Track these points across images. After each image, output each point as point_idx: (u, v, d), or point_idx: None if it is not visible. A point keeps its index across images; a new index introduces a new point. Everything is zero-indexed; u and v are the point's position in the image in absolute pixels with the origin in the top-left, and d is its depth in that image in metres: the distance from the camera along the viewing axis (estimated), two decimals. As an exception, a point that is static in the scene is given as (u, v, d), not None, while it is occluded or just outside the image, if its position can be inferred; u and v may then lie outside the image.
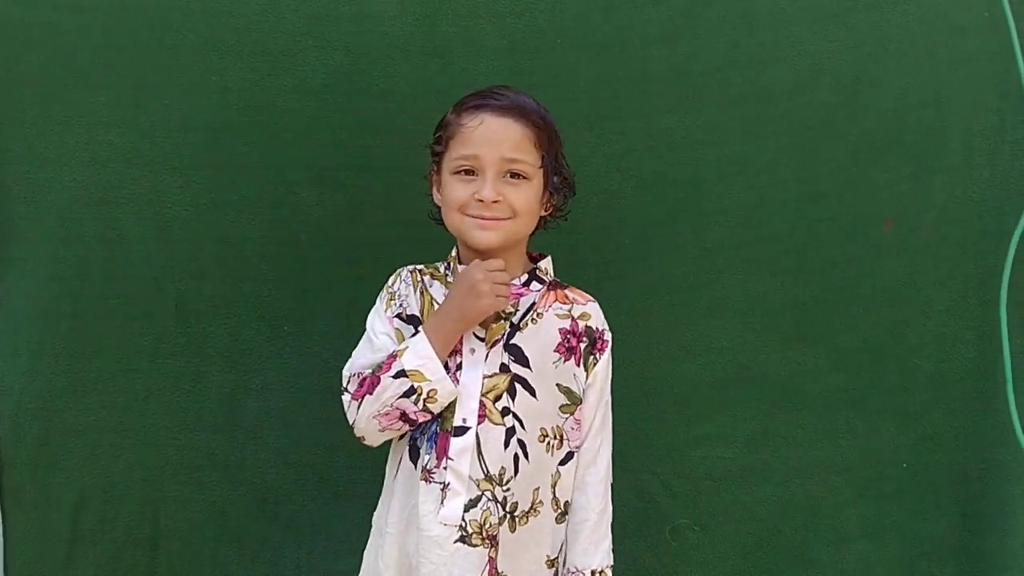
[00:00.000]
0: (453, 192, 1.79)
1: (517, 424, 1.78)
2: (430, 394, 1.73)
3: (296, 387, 2.25)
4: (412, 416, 1.75)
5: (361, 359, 1.82)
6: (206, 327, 2.23)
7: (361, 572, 1.88)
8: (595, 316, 1.88)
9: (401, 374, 1.73)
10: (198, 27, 2.18)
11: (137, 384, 2.22)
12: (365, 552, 1.89)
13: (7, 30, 2.15)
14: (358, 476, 2.23)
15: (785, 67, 2.27)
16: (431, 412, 1.76)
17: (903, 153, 2.30)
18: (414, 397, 1.73)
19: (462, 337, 1.79)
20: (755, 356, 2.30)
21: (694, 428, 2.31)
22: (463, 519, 1.75)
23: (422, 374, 1.73)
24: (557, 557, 1.86)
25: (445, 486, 1.76)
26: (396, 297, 1.86)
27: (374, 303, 1.87)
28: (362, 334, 1.85)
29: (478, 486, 1.76)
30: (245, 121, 2.20)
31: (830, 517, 2.34)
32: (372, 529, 1.88)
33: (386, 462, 1.87)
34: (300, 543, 2.28)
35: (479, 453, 1.77)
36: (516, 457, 1.78)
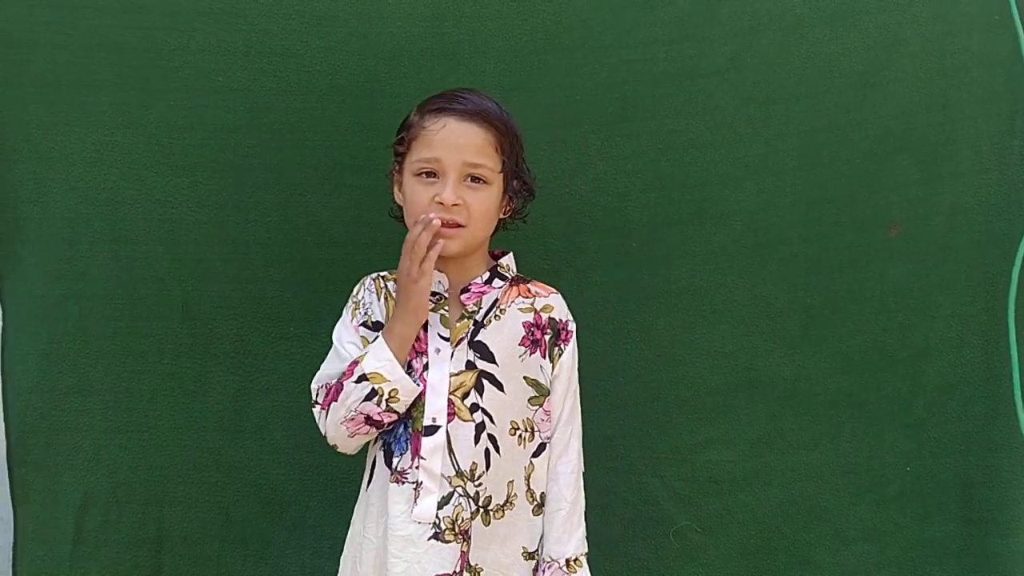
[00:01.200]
0: (414, 194, 1.82)
1: (487, 419, 1.82)
2: (391, 394, 1.76)
3: (302, 388, 2.18)
4: (377, 418, 1.77)
5: (328, 370, 1.85)
6: (212, 328, 2.22)
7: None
8: (558, 307, 1.92)
9: (362, 378, 1.76)
10: (204, 28, 2.17)
11: (143, 385, 2.21)
12: (341, 561, 1.91)
13: (13, 30, 2.15)
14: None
15: (793, 69, 2.26)
16: (396, 412, 1.78)
17: (911, 157, 2.29)
18: (376, 399, 1.76)
19: (427, 337, 1.82)
20: (761, 359, 2.29)
21: (699, 431, 2.30)
22: (436, 516, 1.78)
23: (382, 375, 1.76)
24: (536, 550, 1.89)
25: (418, 485, 1.78)
26: (361, 306, 1.89)
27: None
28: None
29: (450, 483, 1.80)
30: (251, 122, 2.19)
31: (833, 520, 2.33)
32: (347, 538, 1.91)
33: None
34: (304, 544, 2.28)
35: (450, 450, 1.80)
36: (487, 452, 1.82)
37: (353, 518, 1.91)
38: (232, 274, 2.22)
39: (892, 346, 2.32)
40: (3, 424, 2.25)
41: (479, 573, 1.83)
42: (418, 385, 1.80)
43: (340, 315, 2.19)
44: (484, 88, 2.14)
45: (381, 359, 1.77)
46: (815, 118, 2.27)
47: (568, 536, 1.89)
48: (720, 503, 2.31)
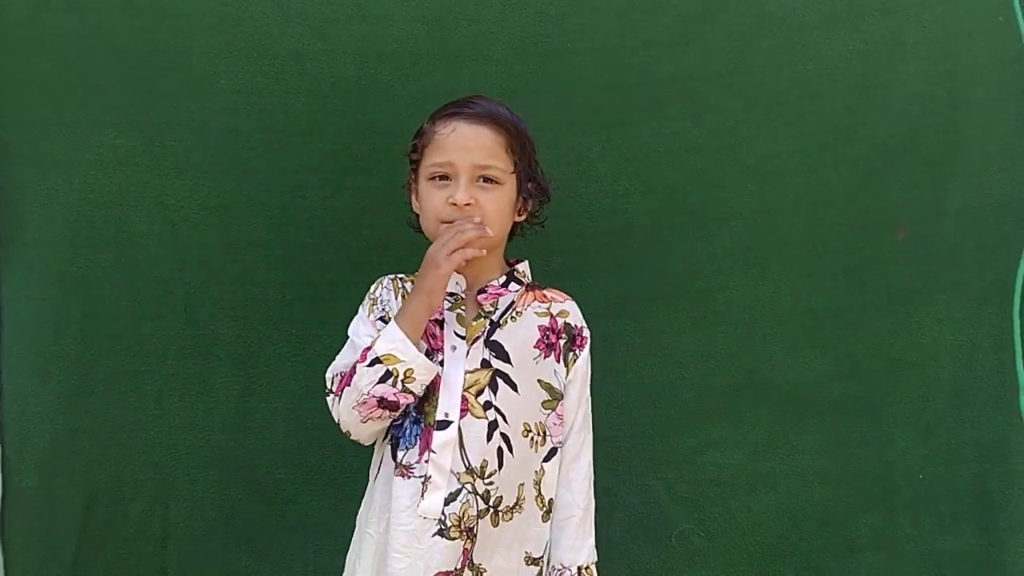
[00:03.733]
0: (428, 199, 1.84)
1: (499, 418, 1.82)
2: (407, 374, 1.76)
3: (304, 389, 2.24)
4: (392, 399, 1.77)
5: (343, 360, 1.86)
6: (215, 329, 2.23)
7: (344, 572, 1.91)
8: (573, 313, 1.94)
9: (375, 361, 1.76)
10: (207, 30, 2.18)
11: (146, 385, 2.23)
12: (348, 552, 1.92)
13: (16, 33, 2.16)
14: (365, 477, 2.21)
15: (796, 72, 2.25)
16: (412, 393, 1.78)
17: (917, 159, 2.28)
18: (391, 380, 1.75)
19: (443, 335, 1.82)
20: (764, 362, 2.29)
21: (701, 434, 2.30)
22: (442, 512, 1.78)
23: (395, 356, 1.76)
24: (541, 556, 1.88)
25: (426, 479, 1.78)
26: (378, 302, 1.90)
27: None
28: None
29: (458, 479, 1.80)
30: (253, 124, 2.20)
31: (840, 527, 2.31)
32: (355, 531, 1.92)
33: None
34: (308, 543, 2.29)
35: (461, 446, 1.80)
36: (500, 450, 1.82)
37: (360, 510, 1.92)
38: (235, 276, 2.23)
39: (900, 350, 2.31)
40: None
41: (482, 573, 1.83)
42: (436, 364, 1.81)
43: (343, 316, 2.21)
44: (486, 91, 2.14)
45: (393, 340, 1.77)
46: (818, 120, 2.26)
47: (581, 543, 1.90)
48: (723, 506, 2.31)
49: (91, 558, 2.23)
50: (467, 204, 1.80)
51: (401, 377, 1.76)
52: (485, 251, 1.81)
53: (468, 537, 1.80)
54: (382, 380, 1.76)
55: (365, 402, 1.77)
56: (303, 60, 2.19)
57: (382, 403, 1.78)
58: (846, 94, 2.26)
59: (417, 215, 1.92)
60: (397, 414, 1.82)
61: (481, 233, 1.78)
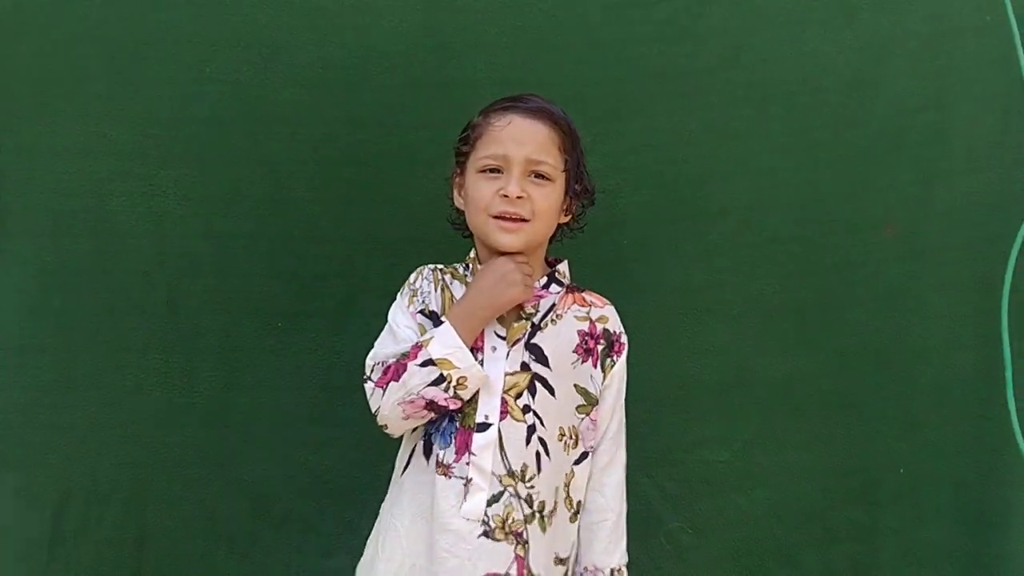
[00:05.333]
0: (478, 190, 1.82)
1: (537, 422, 1.81)
2: (460, 381, 1.74)
3: (288, 384, 2.21)
4: (442, 403, 1.75)
5: (385, 349, 1.83)
6: (197, 322, 2.20)
7: (362, 559, 1.87)
8: (612, 319, 1.93)
9: (428, 363, 1.74)
10: (193, 19, 2.16)
11: (127, 380, 2.18)
12: (369, 539, 1.88)
13: (-1, 20, 2.13)
14: (350, 474, 2.21)
15: (787, 68, 2.26)
16: (462, 399, 1.77)
17: (905, 156, 2.29)
18: (443, 385, 1.74)
19: (483, 335, 1.81)
20: (754, 359, 2.28)
21: (690, 431, 2.29)
22: (485, 514, 1.76)
23: (450, 362, 1.74)
24: (568, 556, 1.87)
25: (468, 481, 1.77)
26: (419, 294, 1.87)
27: (394, 299, 1.88)
28: (374, 329, 1.85)
29: (500, 481, 1.78)
30: (240, 114, 2.17)
31: (825, 522, 2.31)
32: (378, 518, 1.88)
33: (391, 459, 1.87)
34: (290, 541, 2.24)
35: (501, 449, 1.78)
36: (538, 455, 1.80)
37: (386, 500, 1.88)
38: (219, 268, 2.19)
39: (887, 347, 2.31)
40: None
41: None
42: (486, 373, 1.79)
43: (329, 309, 2.19)
44: (476, 82, 2.14)
45: (450, 346, 1.74)
46: (809, 116, 2.26)
47: (615, 547, 1.90)
48: (712, 504, 2.29)
49: (65, 559, 2.18)
50: (519, 197, 1.78)
51: (454, 383, 1.74)
52: (516, 236, 1.80)
53: (518, 542, 1.78)
54: (434, 383, 1.74)
55: (412, 401, 1.75)
56: (291, 50, 2.17)
57: (429, 405, 1.76)
58: (837, 91, 2.26)
59: (458, 210, 1.90)
60: (439, 415, 1.80)
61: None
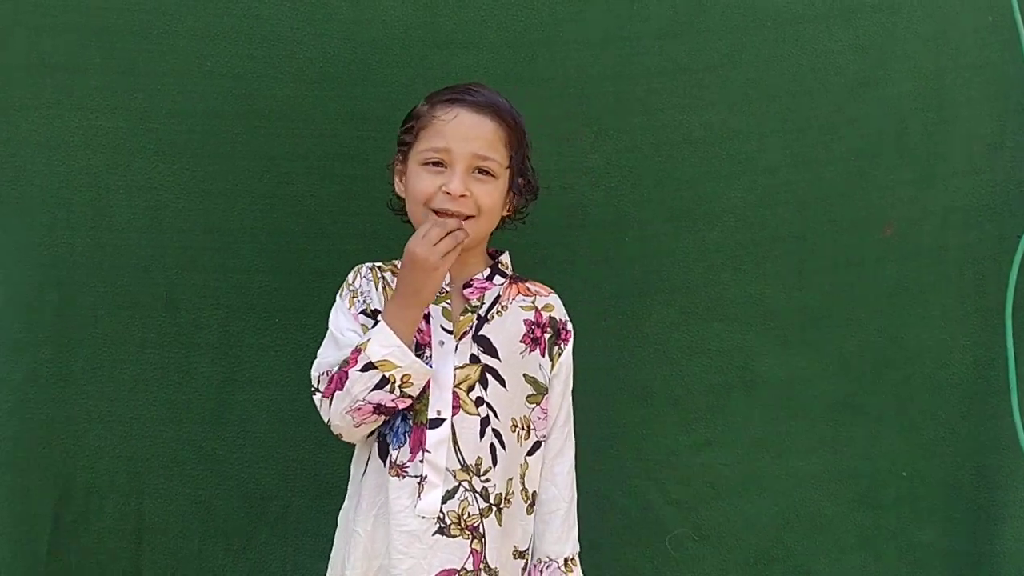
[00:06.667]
0: (420, 183, 1.80)
1: (491, 414, 1.80)
2: (404, 379, 1.72)
3: (287, 380, 2.19)
4: (390, 405, 1.74)
5: (328, 357, 1.81)
6: (196, 318, 2.18)
7: (328, 571, 1.87)
8: (558, 307, 1.93)
9: (369, 366, 1.71)
10: (193, 11, 2.13)
11: (124, 375, 2.17)
12: (332, 551, 1.87)
13: (-4, 11, 2.11)
14: (347, 472, 2.17)
15: (788, 67, 2.25)
16: (411, 396, 1.75)
17: (905, 157, 2.29)
18: (388, 387, 1.71)
19: (430, 330, 1.79)
20: (756, 359, 2.28)
21: (693, 433, 2.28)
22: (441, 510, 1.75)
23: (391, 362, 1.71)
24: (526, 549, 1.87)
25: (422, 479, 1.75)
26: (359, 294, 1.86)
27: (334, 300, 1.87)
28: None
29: (454, 476, 1.77)
30: (239, 108, 2.15)
31: (830, 527, 2.30)
32: (338, 527, 1.88)
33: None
34: (287, 540, 2.24)
35: (455, 444, 1.77)
36: (493, 447, 1.80)
37: (344, 506, 1.88)
38: (218, 263, 2.18)
39: (886, 348, 2.31)
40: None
41: (497, 575, 1.81)
42: (431, 367, 1.77)
43: (329, 305, 2.16)
44: (477, 78, 2.11)
45: (388, 345, 1.72)
46: (809, 115, 2.26)
47: (566, 536, 1.89)
48: (717, 509, 2.28)
49: (64, 552, 2.16)
50: (462, 196, 1.77)
51: (398, 383, 1.72)
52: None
53: (475, 536, 1.77)
54: (378, 387, 1.72)
55: (360, 408, 1.73)
56: (291, 44, 2.15)
57: (378, 409, 1.74)
58: (837, 90, 2.26)
59: (400, 198, 1.88)
60: (390, 416, 1.79)
61: (466, 236, 1.75)
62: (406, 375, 1.72)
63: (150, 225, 2.15)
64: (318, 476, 2.22)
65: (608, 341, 2.24)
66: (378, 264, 1.90)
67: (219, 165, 2.16)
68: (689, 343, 2.26)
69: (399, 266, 1.84)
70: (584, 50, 2.22)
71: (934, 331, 2.31)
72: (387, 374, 1.71)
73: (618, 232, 2.25)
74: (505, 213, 1.90)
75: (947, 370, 2.32)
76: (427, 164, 1.80)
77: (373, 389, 1.72)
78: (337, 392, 1.74)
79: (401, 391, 1.73)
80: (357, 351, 1.74)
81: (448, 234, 1.73)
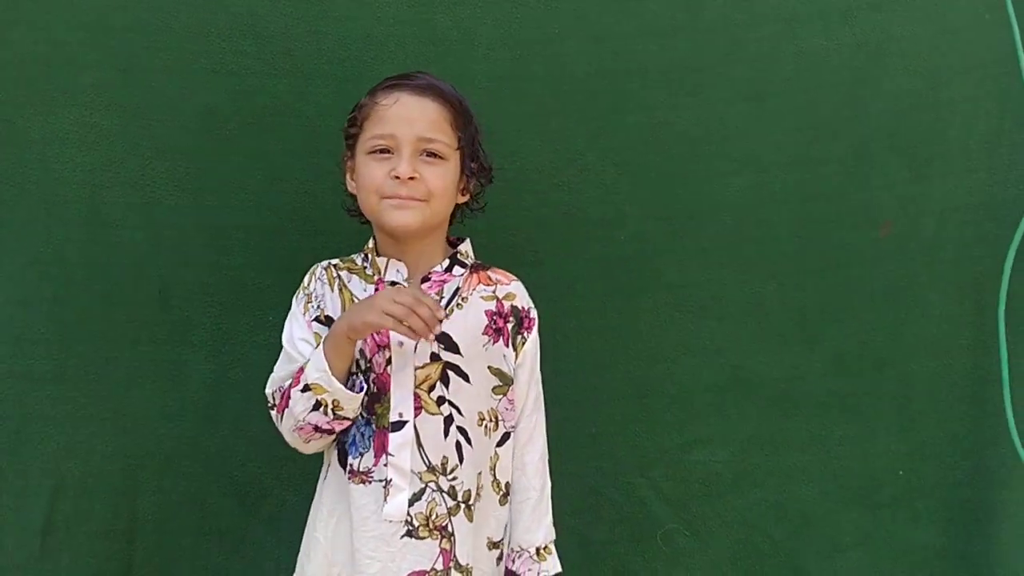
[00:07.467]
0: (368, 172, 1.78)
1: (454, 411, 1.78)
2: (335, 404, 1.71)
3: (281, 378, 2.20)
4: (327, 427, 1.73)
5: (280, 372, 1.81)
6: (190, 315, 2.17)
7: (296, 570, 1.87)
8: (520, 295, 1.89)
9: (307, 388, 1.71)
10: (188, 8, 2.13)
11: (118, 372, 2.16)
12: (299, 554, 1.87)
13: (-8, 8, 2.10)
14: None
15: (785, 65, 2.25)
16: (347, 419, 1.74)
17: (902, 155, 2.28)
18: (322, 409, 1.71)
19: (389, 331, 1.74)
20: (751, 358, 2.27)
21: (687, 430, 2.27)
22: (408, 513, 1.74)
23: (321, 387, 1.70)
24: (501, 539, 1.86)
25: (387, 483, 1.74)
26: (313, 298, 1.84)
27: (289, 306, 1.85)
28: None
29: (420, 478, 1.76)
30: (233, 105, 2.15)
31: (823, 525, 2.30)
32: (304, 532, 1.87)
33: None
34: (281, 539, 2.19)
35: (419, 445, 1.76)
36: (458, 444, 1.78)
37: (310, 515, 1.87)
38: (211, 260, 2.17)
39: (883, 347, 2.30)
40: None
41: (470, 572, 1.80)
42: (359, 391, 1.73)
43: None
44: (472, 76, 2.13)
45: (319, 369, 1.71)
46: (806, 114, 2.25)
47: (538, 524, 1.88)
48: (709, 505, 2.28)
49: (56, 549, 2.16)
50: (411, 178, 1.74)
51: (330, 407, 1.71)
52: (412, 214, 1.75)
53: (443, 536, 1.76)
54: (315, 408, 1.71)
55: (303, 427, 1.74)
56: (286, 41, 2.15)
57: (318, 429, 1.74)
58: (835, 89, 2.25)
59: (353, 196, 1.86)
60: (338, 433, 1.78)
61: (430, 333, 1.68)
62: (335, 400, 1.71)
63: (144, 222, 2.15)
64: (312, 474, 2.15)
65: (602, 338, 2.23)
66: (334, 262, 1.88)
67: (213, 162, 2.15)
68: (684, 341, 2.26)
69: (368, 272, 1.83)
70: (581, 47, 2.21)
71: (931, 330, 2.31)
72: (319, 398, 1.71)
73: (613, 229, 2.24)
74: (461, 199, 1.87)
75: (944, 369, 2.32)
76: (374, 152, 1.78)
77: (311, 411, 1.71)
78: (285, 410, 1.75)
79: (335, 414, 1.72)
80: (301, 370, 1.74)
81: (411, 324, 1.66)
